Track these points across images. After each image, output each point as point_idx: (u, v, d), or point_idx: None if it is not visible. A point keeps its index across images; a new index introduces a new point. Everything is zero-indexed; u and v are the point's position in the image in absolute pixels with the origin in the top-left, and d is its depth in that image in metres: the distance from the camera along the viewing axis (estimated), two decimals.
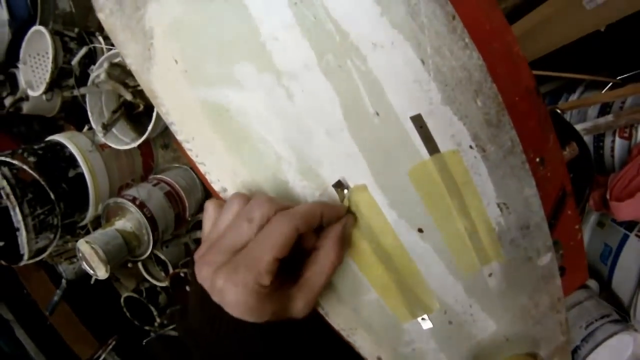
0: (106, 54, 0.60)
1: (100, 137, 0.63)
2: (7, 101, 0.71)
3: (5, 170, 0.57)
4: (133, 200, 0.61)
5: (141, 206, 0.61)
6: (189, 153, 0.30)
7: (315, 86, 0.27)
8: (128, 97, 0.61)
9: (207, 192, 0.71)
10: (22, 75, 0.67)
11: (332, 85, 0.27)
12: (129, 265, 0.72)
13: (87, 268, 0.58)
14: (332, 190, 0.29)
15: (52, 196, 0.58)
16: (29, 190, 0.58)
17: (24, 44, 0.65)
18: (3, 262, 0.60)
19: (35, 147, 0.61)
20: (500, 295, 0.34)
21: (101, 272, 0.57)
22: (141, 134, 0.62)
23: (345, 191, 0.29)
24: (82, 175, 0.62)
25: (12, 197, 0.56)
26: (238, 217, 0.27)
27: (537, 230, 0.32)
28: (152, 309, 0.78)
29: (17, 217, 0.57)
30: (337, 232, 0.29)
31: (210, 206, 0.29)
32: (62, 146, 0.63)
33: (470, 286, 0.33)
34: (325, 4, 0.26)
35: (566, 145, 0.53)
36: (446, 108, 0.27)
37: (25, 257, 0.59)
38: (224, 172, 0.30)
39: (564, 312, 0.37)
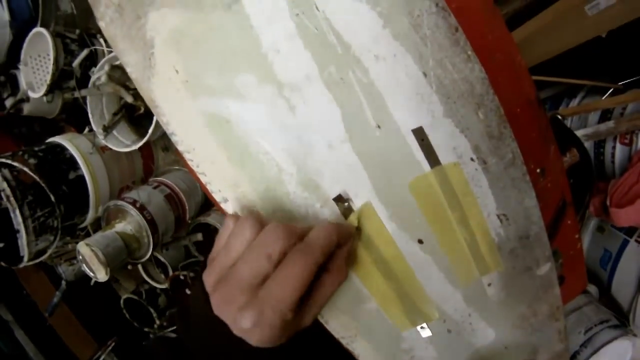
0: (107, 56, 0.60)
1: (101, 139, 0.63)
2: (8, 102, 0.71)
3: (6, 172, 0.57)
4: (133, 203, 0.61)
5: (141, 209, 0.61)
6: (189, 163, 0.30)
7: (317, 98, 0.27)
8: (129, 99, 0.61)
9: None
10: (23, 76, 0.67)
11: (333, 97, 0.27)
12: (129, 267, 0.73)
13: (87, 270, 0.58)
14: (333, 203, 0.29)
15: (53, 198, 0.58)
16: (29, 192, 0.58)
17: (25, 45, 0.65)
18: (3, 264, 0.60)
19: (36, 149, 0.61)
20: (499, 304, 0.34)
21: (101, 275, 0.57)
22: (142, 136, 0.62)
23: (347, 204, 0.29)
24: (82, 177, 0.62)
25: (12, 199, 0.56)
26: (254, 249, 0.26)
27: (537, 241, 0.32)
28: (152, 310, 0.78)
29: (17, 219, 0.57)
30: (345, 254, 0.29)
31: (231, 222, 0.28)
32: (63, 148, 0.63)
33: (470, 295, 0.33)
34: (328, 15, 0.26)
35: (567, 152, 0.54)
36: (448, 121, 0.27)
37: (25, 259, 0.59)
38: (225, 183, 0.30)
39: (562, 320, 0.37)
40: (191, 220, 0.70)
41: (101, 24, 0.28)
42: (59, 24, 0.67)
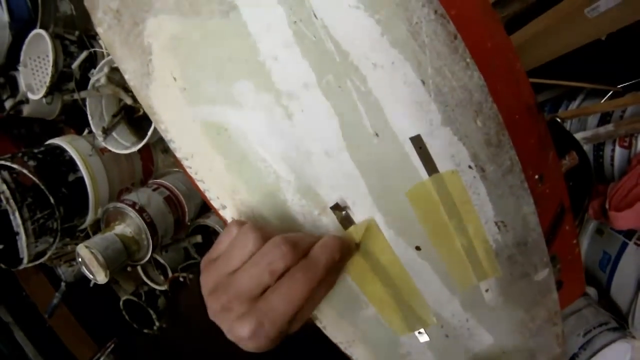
0: (107, 58, 0.60)
1: (100, 141, 0.63)
2: (8, 104, 0.71)
3: (5, 174, 0.57)
4: (133, 205, 0.61)
5: (141, 211, 0.61)
6: (188, 170, 0.30)
7: (315, 106, 0.27)
8: (128, 101, 0.61)
9: None
10: (23, 78, 0.67)
11: (331, 105, 0.27)
12: (129, 269, 0.73)
13: (87, 273, 0.58)
14: (331, 211, 0.29)
15: (52, 200, 0.58)
16: (28, 194, 0.58)
17: (24, 47, 0.65)
18: (2, 266, 0.61)
19: (35, 150, 0.61)
20: (497, 309, 0.34)
21: (100, 277, 0.58)
22: (141, 138, 0.62)
23: (345, 211, 0.29)
24: (82, 179, 0.63)
25: (11, 201, 0.56)
26: (257, 263, 0.26)
27: (535, 247, 0.32)
28: (151, 312, 0.79)
29: (16, 221, 0.57)
30: (340, 268, 0.30)
31: (234, 230, 0.28)
32: (62, 150, 0.63)
33: (467, 301, 0.33)
34: (326, 23, 0.26)
35: (566, 155, 0.54)
36: (446, 129, 0.27)
37: (25, 261, 0.60)
38: (223, 190, 0.30)
39: (560, 324, 0.38)
40: (190, 222, 0.70)
41: (99, 30, 0.28)
42: (59, 25, 0.67)
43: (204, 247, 0.72)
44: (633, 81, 0.69)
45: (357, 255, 0.31)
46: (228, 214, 0.31)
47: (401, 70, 0.26)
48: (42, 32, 0.62)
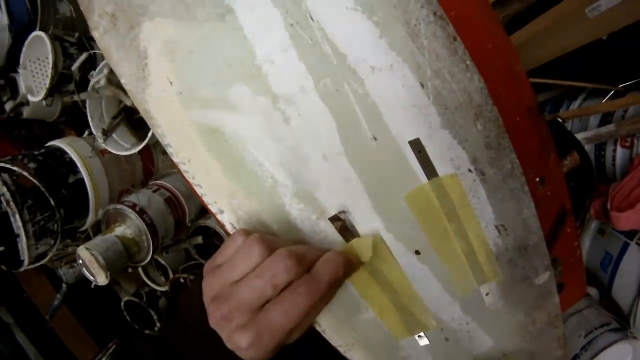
0: (106, 60, 0.60)
1: (101, 143, 0.63)
2: (8, 106, 0.71)
3: (6, 176, 0.57)
4: (133, 206, 0.61)
5: (141, 212, 0.61)
6: (185, 175, 0.30)
7: (312, 110, 0.27)
8: (128, 102, 0.61)
9: None
10: (23, 80, 0.67)
11: (329, 109, 0.26)
12: (129, 270, 0.73)
13: (87, 274, 0.58)
14: (329, 215, 0.29)
15: (52, 202, 0.58)
16: (29, 196, 0.58)
17: (24, 49, 0.65)
18: (3, 268, 0.61)
19: (35, 152, 0.61)
20: (497, 313, 0.34)
21: (101, 279, 0.57)
22: (141, 139, 0.62)
23: (343, 216, 0.29)
24: (82, 181, 0.62)
25: (12, 203, 0.56)
26: (261, 276, 0.26)
27: (535, 251, 0.32)
28: (152, 313, 0.79)
29: (17, 223, 0.57)
30: (341, 283, 0.30)
31: (240, 239, 0.28)
32: (62, 152, 0.63)
33: (467, 305, 0.33)
34: (323, 25, 0.25)
35: (567, 155, 0.53)
36: (445, 132, 0.27)
37: (25, 262, 0.60)
38: (220, 195, 0.30)
39: (561, 327, 0.37)
40: (191, 223, 0.70)
41: (95, 34, 0.28)
42: (58, 27, 0.67)
43: (205, 248, 0.72)
44: (634, 81, 0.68)
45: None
46: (226, 219, 0.31)
47: (400, 73, 0.26)
48: (42, 34, 0.62)
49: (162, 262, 0.73)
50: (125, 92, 0.60)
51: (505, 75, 0.29)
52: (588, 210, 0.60)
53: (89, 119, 0.63)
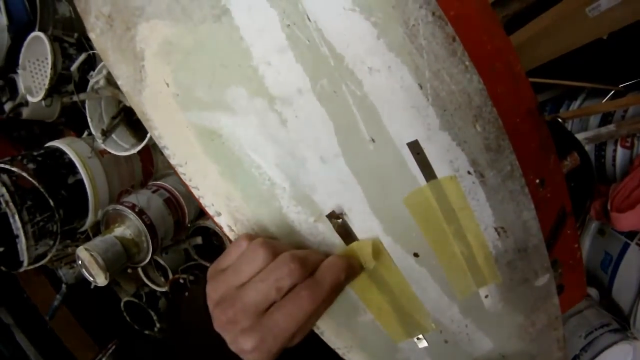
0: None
1: (100, 143, 0.63)
2: (7, 106, 0.71)
3: (5, 177, 0.57)
4: (132, 207, 0.61)
5: (140, 213, 0.61)
6: (182, 177, 0.30)
7: (309, 111, 0.26)
8: (127, 103, 0.60)
9: None
10: (22, 80, 0.67)
11: (326, 110, 0.26)
12: (129, 270, 0.73)
13: (87, 275, 0.58)
14: (327, 219, 0.29)
15: (52, 203, 0.58)
16: (28, 197, 0.58)
17: (23, 50, 0.65)
18: (2, 268, 0.61)
19: (35, 153, 0.61)
20: (496, 315, 0.34)
21: (100, 279, 0.57)
22: (141, 139, 0.61)
23: (341, 219, 0.29)
24: (81, 181, 0.62)
25: (11, 204, 0.56)
26: (265, 280, 0.27)
27: (535, 253, 0.31)
28: (152, 313, 0.79)
29: (16, 224, 0.57)
30: (343, 287, 0.30)
31: (244, 243, 0.29)
32: (62, 152, 0.63)
33: (466, 307, 0.33)
34: (320, 26, 0.25)
35: (567, 155, 0.53)
36: (444, 133, 0.27)
37: (25, 263, 0.59)
38: (217, 197, 0.30)
39: (561, 328, 0.37)
40: (191, 223, 0.70)
41: (92, 36, 0.28)
42: (57, 27, 0.67)
43: (205, 248, 0.72)
44: (635, 80, 0.68)
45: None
46: (223, 221, 0.30)
47: (398, 74, 0.26)
48: (41, 34, 0.62)
49: (162, 262, 0.73)
50: None
51: (504, 76, 0.29)
52: (588, 211, 0.60)
53: (88, 120, 0.63)
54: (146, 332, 0.80)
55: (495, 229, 0.29)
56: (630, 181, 0.57)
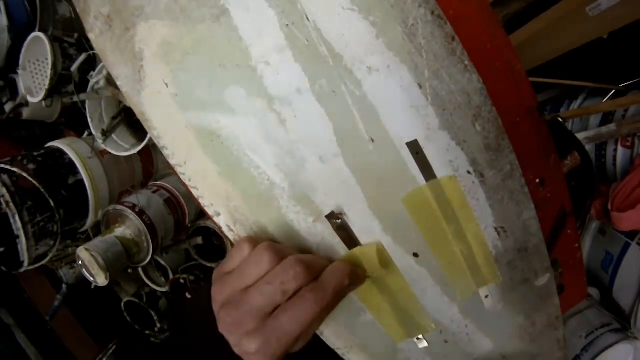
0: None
1: (100, 144, 0.63)
2: (7, 107, 0.71)
3: (5, 177, 0.57)
4: (133, 207, 0.61)
5: (141, 213, 0.61)
6: (181, 177, 0.29)
7: (308, 112, 0.26)
8: (128, 103, 0.60)
9: None
10: (22, 81, 0.67)
11: (325, 110, 0.26)
12: (129, 270, 0.73)
13: (87, 275, 0.58)
14: (326, 216, 0.29)
15: (52, 203, 0.58)
16: (28, 197, 0.58)
17: (23, 50, 0.65)
18: (3, 269, 0.61)
19: (35, 154, 0.61)
20: (496, 315, 0.34)
21: (101, 279, 0.57)
22: (141, 139, 0.62)
23: (340, 219, 0.29)
24: (81, 182, 0.62)
25: (11, 204, 0.56)
26: (271, 283, 0.27)
27: (536, 252, 0.31)
28: (153, 313, 0.79)
29: (16, 224, 0.57)
30: (347, 293, 0.30)
31: (246, 247, 0.29)
32: (62, 153, 0.63)
33: (466, 307, 0.33)
34: (319, 26, 0.25)
35: (568, 155, 0.53)
36: (444, 133, 0.26)
37: (25, 263, 0.60)
38: (216, 197, 0.30)
39: (561, 329, 0.37)
40: (191, 224, 0.70)
41: (91, 36, 0.28)
42: (58, 28, 0.67)
43: (205, 248, 0.72)
44: (635, 80, 0.68)
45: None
46: (222, 221, 0.30)
47: (397, 73, 0.26)
48: (41, 35, 0.62)
49: (162, 262, 0.73)
50: None
51: (504, 76, 0.29)
52: (589, 210, 0.59)
53: (89, 120, 0.63)
54: (147, 332, 0.80)
55: (495, 229, 0.29)
56: (630, 181, 0.57)
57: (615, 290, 0.68)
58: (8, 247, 0.60)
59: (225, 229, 0.31)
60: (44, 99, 0.64)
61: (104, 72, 0.60)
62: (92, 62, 0.66)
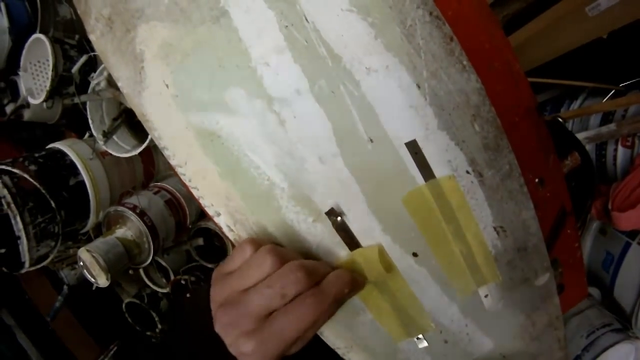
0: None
1: (101, 145, 0.63)
2: (8, 108, 0.71)
3: (6, 179, 0.57)
4: (133, 208, 0.61)
5: (142, 215, 0.61)
6: (182, 177, 0.30)
7: (308, 112, 0.26)
8: (128, 104, 0.61)
9: None
10: (23, 82, 0.67)
11: (324, 111, 0.26)
12: (130, 271, 0.73)
13: (88, 276, 0.58)
14: (326, 217, 0.29)
15: (53, 204, 0.58)
16: (29, 198, 0.58)
17: (24, 52, 0.65)
18: (4, 270, 0.61)
19: (36, 155, 0.61)
20: (496, 315, 0.34)
21: (102, 280, 0.58)
22: (142, 141, 0.62)
23: (340, 218, 0.29)
24: (82, 183, 0.62)
25: (13, 205, 0.56)
26: (271, 286, 0.27)
27: (535, 252, 0.31)
28: (154, 314, 0.79)
29: (18, 225, 0.57)
30: (346, 299, 0.30)
31: (248, 248, 0.29)
32: (63, 154, 0.63)
33: (466, 307, 0.33)
34: (318, 27, 0.25)
35: (568, 155, 0.53)
36: (442, 133, 0.27)
37: (26, 265, 0.60)
38: (217, 197, 0.30)
39: (562, 328, 0.37)
40: (192, 225, 0.70)
41: (92, 38, 0.28)
42: (58, 29, 0.67)
43: (206, 249, 0.72)
44: (635, 80, 0.68)
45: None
46: (222, 221, 0.31)
47: (396, 74, 0.26)
48: (42, 36, 0.62)
49: (163, 263, 0.73)
50: None
51: (503, 75, 0.29)
52: (589, 210, 0.59)
53: (90, 121, 0.63)
54: (148, 333, 0.80)
55: (495, 228, 0.29)
56: (631, 180, 0.57)
57: (616, 290, 0.68)
58: (9, 248, 0.60)
59: (225, 229, 0.31)
60: (45, 100, 0.64)
61: (105, 74, 0.60)
62: (93, 63, 0.66)
